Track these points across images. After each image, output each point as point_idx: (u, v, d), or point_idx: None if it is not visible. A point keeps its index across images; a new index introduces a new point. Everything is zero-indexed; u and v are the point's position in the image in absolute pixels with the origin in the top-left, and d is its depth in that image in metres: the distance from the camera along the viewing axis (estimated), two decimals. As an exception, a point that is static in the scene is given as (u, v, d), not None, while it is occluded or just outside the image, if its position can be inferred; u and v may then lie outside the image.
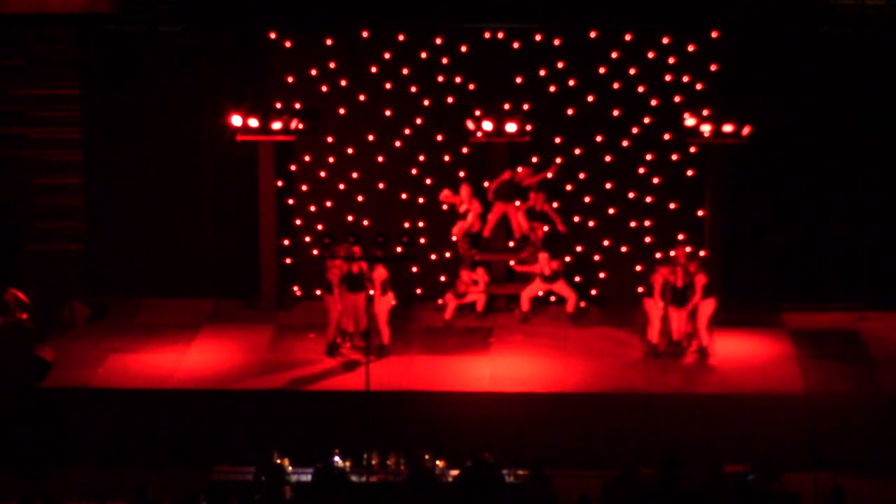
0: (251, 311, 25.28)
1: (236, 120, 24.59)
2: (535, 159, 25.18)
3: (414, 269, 25.51)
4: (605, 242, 25.43)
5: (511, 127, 24.44)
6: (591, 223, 25.38)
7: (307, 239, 25.73)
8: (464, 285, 24.48)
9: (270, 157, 25.01)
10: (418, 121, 25.36)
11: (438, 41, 25.10)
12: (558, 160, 24.77)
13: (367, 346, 21.46)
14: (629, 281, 25.22)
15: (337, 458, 19.65)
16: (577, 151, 25.22)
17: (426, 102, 25.28)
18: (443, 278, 25.42)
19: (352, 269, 23.25)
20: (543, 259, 24.30)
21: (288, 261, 25.78)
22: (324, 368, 22.97)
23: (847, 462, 20.92)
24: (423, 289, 25.55)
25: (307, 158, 25.65)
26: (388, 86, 25.28)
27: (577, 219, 25.31)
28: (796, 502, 19.14)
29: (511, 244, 25.07)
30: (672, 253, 23.54)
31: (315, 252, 25.31)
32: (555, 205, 25.04)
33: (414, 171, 25.49)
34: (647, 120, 25.04)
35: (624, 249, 25.41)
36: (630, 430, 21.57)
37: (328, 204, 25.55)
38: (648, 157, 25.15)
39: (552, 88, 25.09)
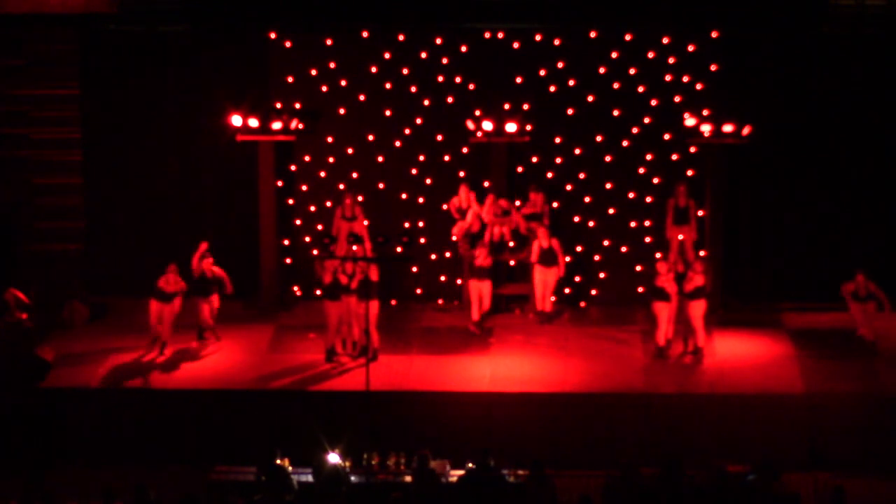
0: (251, 311, 25.29)
1: (236, 120, 24.59)
2: (534, 159, 25.23)
3: (414, 269, 25.51)
4: (605, 242, 25.44)
5: (511, 127, 24.44)
6: (591, 223, 25.38)
7: (307, 239, 25.74)
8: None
9: (270, 157, 25.02)
10: (418, 121, 25.37)
11: (438, 41, 25.11)
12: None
13: (367, 346, 21.42)
14: (629, 281, 25.25)
15: (336, 458, 19.65)
16: (577, 151, 25.24)
17: (426, 102, 25.30)
18: (442, 278, 25.45)
19: (345, 269, 23.10)
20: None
21: (288, 261, 25.78)
22: (324, 368, 22.94)
23: (847, 462, 20.90)
24: (423, 289, 25.55)
25: (307, 158, 25.65)
26: (388, 86, 25.29)
27: (577, 219, 25.33)
28: (796, 502, 19.16)
29: (511, 244, 25.06)
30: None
31: (315, 252, 25.33)
32: (555, 205, 25.07)
33: (414, 171, 25.50)
34: (647, 120, 25.05)
35: (624, 249, 25.42)
36: (630, 430, 21.56)
37: (328, 204, 25.55)
38: (648, 157, 25.16)
39: (552, 88, 25.10)
